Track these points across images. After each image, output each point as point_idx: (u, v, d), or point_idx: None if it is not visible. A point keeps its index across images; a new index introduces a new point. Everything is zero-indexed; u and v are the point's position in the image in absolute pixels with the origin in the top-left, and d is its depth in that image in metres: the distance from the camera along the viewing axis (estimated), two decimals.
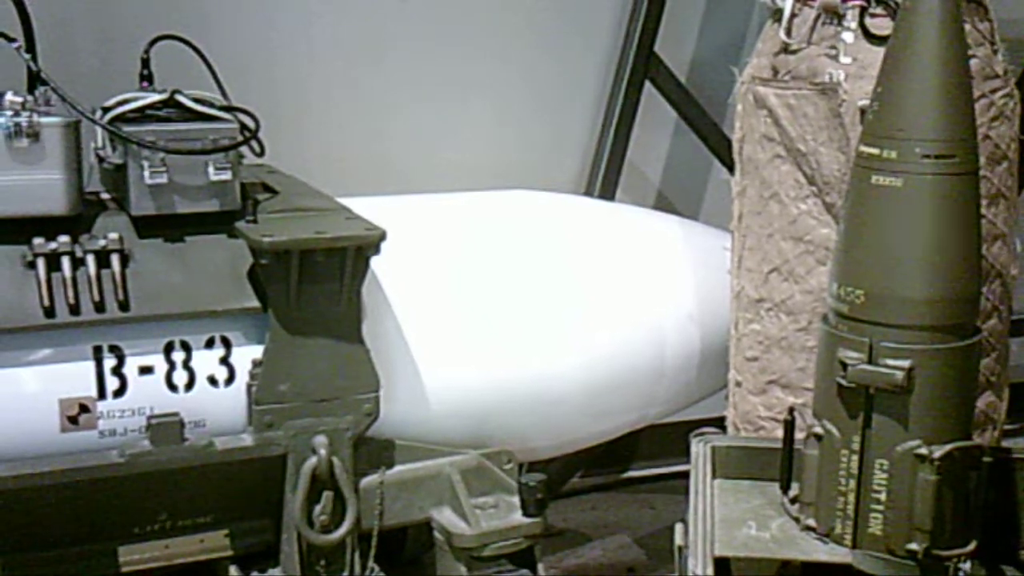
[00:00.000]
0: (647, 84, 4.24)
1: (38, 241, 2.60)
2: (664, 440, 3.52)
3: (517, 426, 3.08)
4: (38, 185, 2.59)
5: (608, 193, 4.25)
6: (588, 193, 4.21)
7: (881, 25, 2.81)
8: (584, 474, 4.00)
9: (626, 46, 4.21)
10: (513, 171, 3.60)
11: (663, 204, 4.35)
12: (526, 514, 2.90)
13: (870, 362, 2.38)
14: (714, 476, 2.72)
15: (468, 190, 3.38)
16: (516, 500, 2.94)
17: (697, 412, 3.43)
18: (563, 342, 3.11)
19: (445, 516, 2.91)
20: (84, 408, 2.61)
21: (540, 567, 2.95)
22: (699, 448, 2.78)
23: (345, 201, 2.95)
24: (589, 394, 3.16)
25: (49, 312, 2.57)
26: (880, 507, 2.43)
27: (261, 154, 2.83)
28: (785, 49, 2.98)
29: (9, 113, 2.56)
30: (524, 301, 3.09)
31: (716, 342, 3.27)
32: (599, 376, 3.16)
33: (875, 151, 2.38)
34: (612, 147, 4.26)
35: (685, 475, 2.92)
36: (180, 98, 2.79)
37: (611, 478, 4.07)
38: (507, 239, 3.19)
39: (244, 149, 2.80)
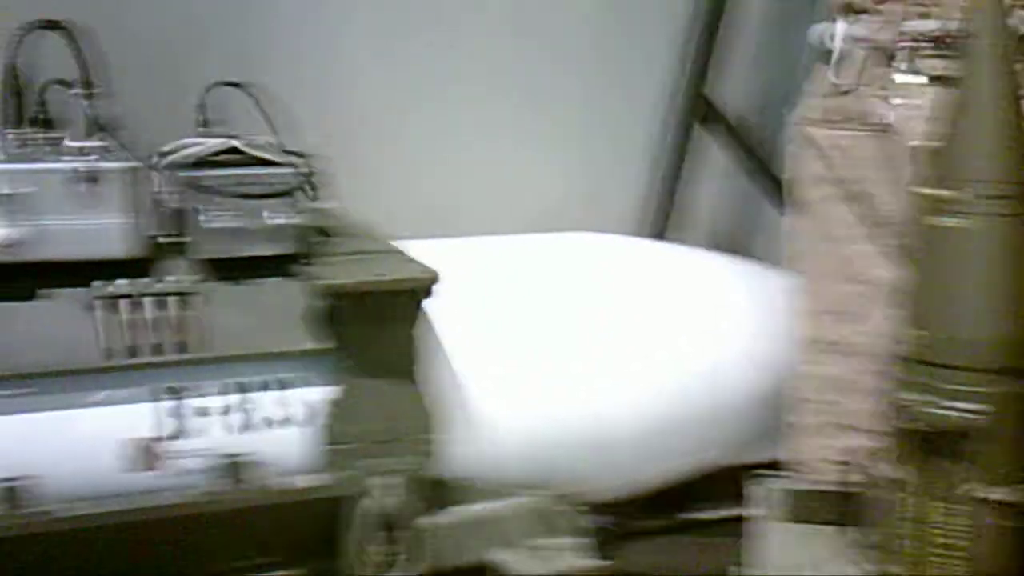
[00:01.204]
0: (697, 125, 4.28)
1: (98, 284, 2.64)
2: (723, 483, 3.49)
3: (576, 468, 3.07)
4: (99, 229, 2.63)
5: (662, 234, 4.27)
6: (642, 234, 4.20)
7: (933, 66, 2.82)
8: (643, 516, 3.97)
9: (676, 89, 4.26)
10: (568, 214, 3.62)
11: (717, 244, 4.30)
12: (587, 556, 2.89)
13: (931, 405, 2.37)
14: (772, 519, 2.70)
15: (523, 232, 3.40)
16: (576, 542, 2.92)
17: (755, 455, 3.40)
18: (621, 384, 3.11)
19: (504, 558, 2.90)
20: (152, 449, 2.64)
21: None
22: (758, 491, 2.77)
23: (402, 244, 2.98)
24: (653, 437, 3.16)
25: (110, 354, 2.61)
26: (939, 550, 2.41)
27: (319, 198, 2.86)
28: (836, 90, 2.99)
29: (71, 158, 2.61)
30: (582, 343, 3.09)
31: (773, 383, 3.26)
32: (663, 419, 3.16)
33: (940, 192, 2.38)
34: (665, 188, 4.29)
35: (744, 518, 2.90)
36: (240, 143, 2.83)
37: (670, 520, 4.03)
38: (563, 281, 3.20)
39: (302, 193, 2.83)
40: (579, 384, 3.06)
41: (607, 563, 2.92)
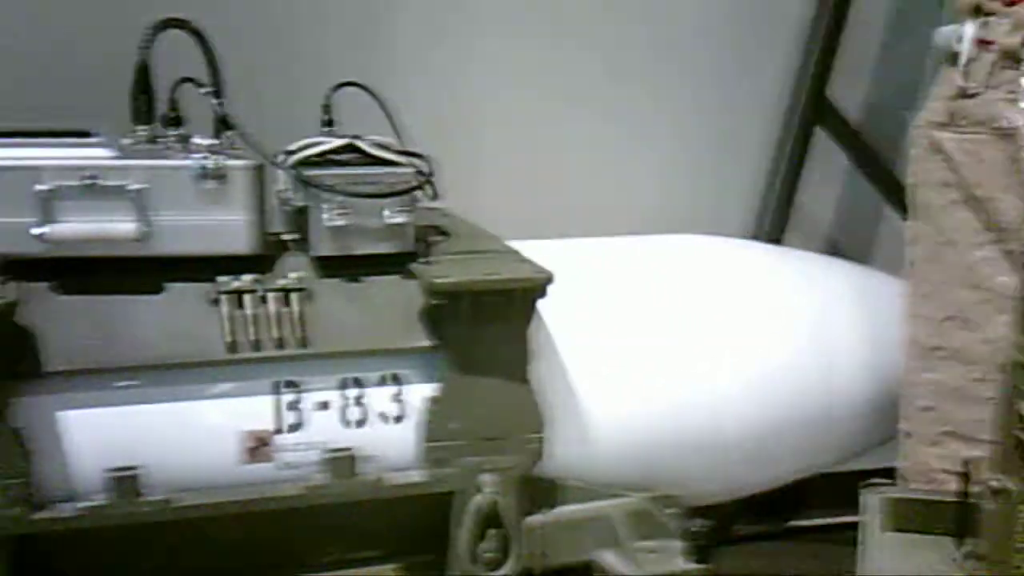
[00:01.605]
0: (818, 127, 4.23)
1: (223, 279, 2.70)
2: (833, 490, 3.45)
3: (682, 471, 3.06)
4: (224, 225, 2.68)
5: (777, 237, 4.21)
6: (756, 237, 4.17)
7: None
8: (749, 521, 3.95)
9: (796, 90, 4.20)
10: (680, 215, 3.59)
11: (833, 249, 4.28)
12: (690, 560, 2.88)
13: None
14: (885, 529, 2.67)
15: (634, 234, 3.39)
16: (680, 545, 2.91)
17: (868, 462, 3.36)
18: (731, 388, 3.09)
19: (608, 559, 2.90)
20: (263, 441, 2.70)
21: None
22: (870, 499, 2.73)
23: (514, 244, 3.00)
24: (757, 440, 3.13)
25: (232, 348, 2.67)
26: None
27: (435, 198, 2.87)
28: (962, 94, 2.93)
29: (198, 156, 2.67)
30: (691, 345, 3.07)
31: (888, 391, 3.20)
32: (769, 423, 3.13)
33: None
34: (781, 191, 4.23)
35: (853, 526, 2.87)
36: (360, 143, 2.88)
37: (776, 526, 4.00)
38: (674, 283, 3.18)
39: (420, 192, 2.85)
40: (686, 387, 3.04)
41: (707, 567, 2.90)
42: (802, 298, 3.29)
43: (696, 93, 4.14)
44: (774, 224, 4.26)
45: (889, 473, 3.16)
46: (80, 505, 2.57)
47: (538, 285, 2.77)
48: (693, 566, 2.88)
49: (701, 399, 3.06)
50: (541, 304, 2.80)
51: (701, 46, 4.13)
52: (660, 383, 3.03)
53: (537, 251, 2.93)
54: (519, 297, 2.76)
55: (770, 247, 3.86)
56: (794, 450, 3.24)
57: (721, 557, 3.27)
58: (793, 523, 4.10)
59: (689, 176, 4.18)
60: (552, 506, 2.91)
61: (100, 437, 2.62)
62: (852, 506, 3.07)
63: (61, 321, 2.61)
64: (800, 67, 4.21)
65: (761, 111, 4.24)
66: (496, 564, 2.81)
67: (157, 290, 2.70)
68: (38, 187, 2.57)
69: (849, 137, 4.25)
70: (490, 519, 2.79)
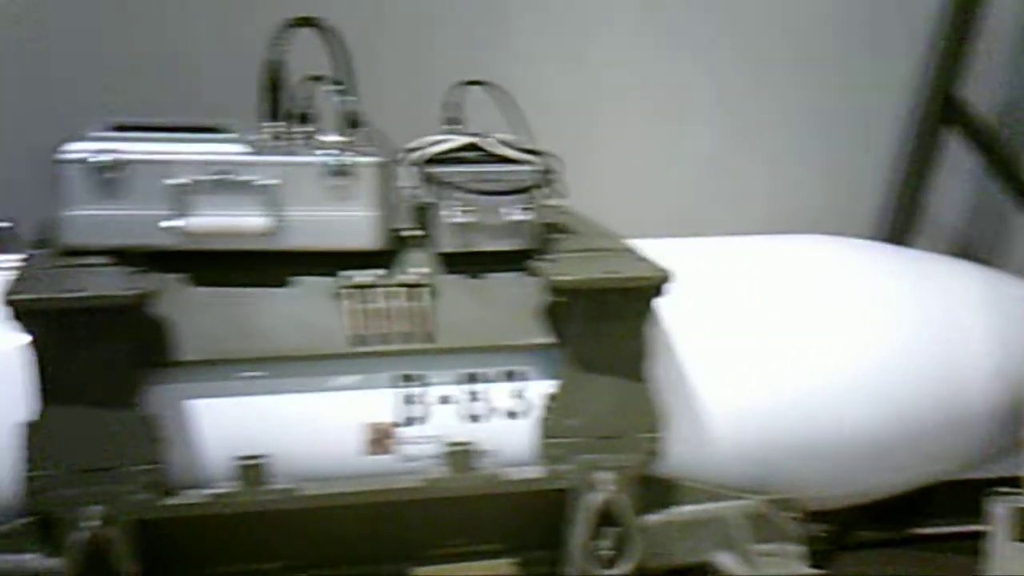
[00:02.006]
0: (946, 127, 4.13)
1: (347, 274, 2.76)
2: (957, 497, 3.38)
3: (802, 474, 3.02)
4: (351, 221, 2.74)
5: (902, 239, 4.15)
6: (882, 238, 4.10)
7: None
8: (869, 527, 3.88)
9: (924, 89, 4.13)
10: (803, 215, 3.55)
11: (961, 251, 4.17)
12: (808, 564, 2.86)
13: None
14: (1011, 539, 2.60)
15: (756, 233, 3.36)
16: (798, 549, 2.89)
17: (994, 470, 3.26)
18: (854, 391, 3.03)
19: (725, 560, 2.89)
20: (385, 434, 2.74)
21: None
22: (997, 508, 2.67)
23: (634, 242, 2.99)
24: (880, 446, 3.07)
25: (355, 341, 2.73)
26: None
27: (559, 196, 2.89)
28: None
29: (326, 153, 2.72)
30: (813, 348, 3.03)
31: (1017, 397, 3.14)
32: (892, 428, 3.07)
33: None
34: (907, 191, 4.17)
35: (976, 536, 2.80)
36: (484, 141, 2.91)
37: (897, 533, 3.92)
38: (796, 283, 3.14)
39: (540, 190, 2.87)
40: (808, 389, 3.00)
41: (825, 573, 2.87)
42: (929, 301, 3.22)
43: (820, 93, 4.11)
44: (900, 225, 4.18)
45: (1016, 482, 3.10)
46: (208, 492, 2.64)
47: (657, 284, 2.77)
48: (811, 571, 2.86)
49: (823, 402, 3.02)
50: (660, 303, 2.80)
51: (825, 46, 4.09)
52: (780, 385, 2.99)
53: (657, 250, 2.93)
54: (638, 295, 2.76)
55: (896, 248, 3.76)
56: (918, 456, 3.18)
57: (839, 563, 3.23)
58: (915, 530, 4.02)
59: (813, 176, 4.16)
60: (668, 506, 2.91)
61: (227, 426, 2.69)
62: (976, 515, 3.02)
63: (192, 312, 2.70)
64: (928, 66, 4.15)
65: (887, 111, 4.19)
66: (611, 562, 2.82)
67: (284, 283, 2.77)
68: (172, 181, 2.65)
69: (979, 137, 4.17)
70: (606, 517, 2.80)
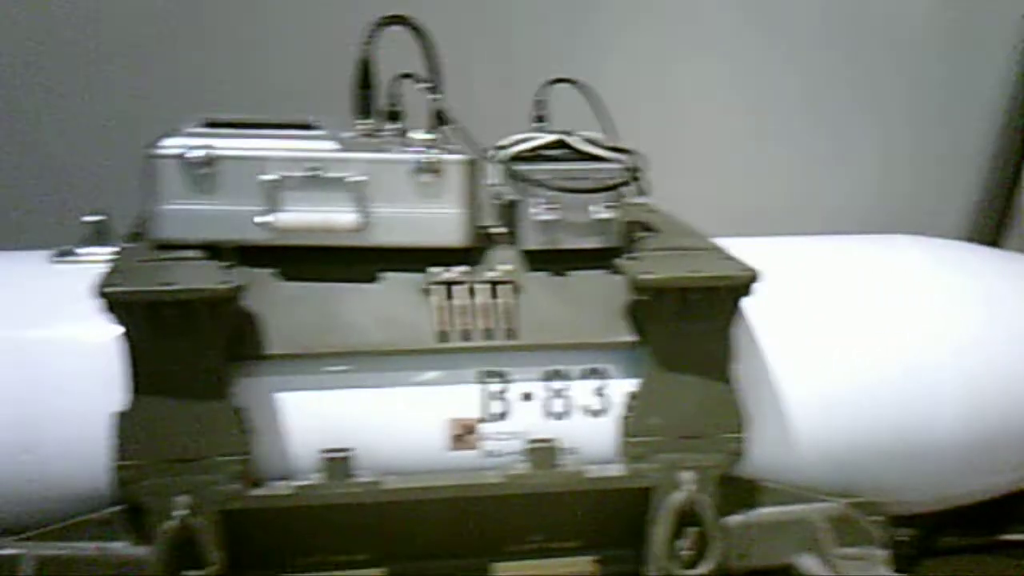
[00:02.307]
0: None
1: (436, 270, 2.77)
2: None
3: (888, 478, 2.99)
4: (439, 218, 2.75)
5: (993, 240, 4.08)
6: (971, 239, 4.05)
7: None
8: (956, 532, 3.82)
9: (1018, 86, 4.06)
10: (892, 215, 3.52)
11: None
12: (892, 569, 2.83)
13: None
14: None
15: (844, 233, 3.34)
16: (882, 554, 2.85)
17: None
18: (944, 394, 2.98)
19: (807, 563, 2.86)
20: (469, 429, 2.76)
21: None
22: None
23: (720, 241, 2.97)
24: (970, 450, 3.02)
25: (441, 337, 2.74)
26: None
27: (644, 193, 2.88)
28: None
29: (416, 150, 2.74)
30: (901, 349, 2.98)
31: None
32: (983, 432, 3.02)
33: None
34: (999, 192, 4.09)
35: None
36: (571, 139, 2.92)
37: (985, 539, 3.86)
38: (885, 284, 3.09)
39: (628, 188, 2.86)
40: (897, 392, 2.95)
41: None
42: (1018, 303, 3.15)
43: (909, 93, 4.05)
44: (991, 226, 4.11)
45: None
46: (295, 484, 2.68)
47: (744, 283, 2.74)
48: (892, 575, 2.84)
49: (912, 404, 2.97)
50: (746, 302, 2.77)
51: (915, 46, 4.03)
52: (868, 386, 2.95)
53: (744, 249, 2.90)
54: (724, 295, 2.73)
55: (988, 249, 3.72)
56: (1011, 461, 3.13)
57: (925, 568, 3.18)
58: (1004, 537, 3.95)
59: (902, 176, 4.10)
60: (751, 507, 2.89)
61: (313, 419, 2.72)
62: None
63: (280, 306, 2.73)
64: (1022, 64, 4.07)
65: (979, 110, 4.12)
66: (693, 562, 2.80)
67: (372, 279, 2.79)
68: (264, 177, 2.68)
69: None
70: (688, 517, 2.79)
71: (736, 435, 2.80)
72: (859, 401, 2.95)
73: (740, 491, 2.87)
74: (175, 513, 2.59)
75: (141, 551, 2.63)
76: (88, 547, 2.65)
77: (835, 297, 3.05)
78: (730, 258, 2.85)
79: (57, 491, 2.66)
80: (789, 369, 2.92)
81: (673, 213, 3.20)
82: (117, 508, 2.65)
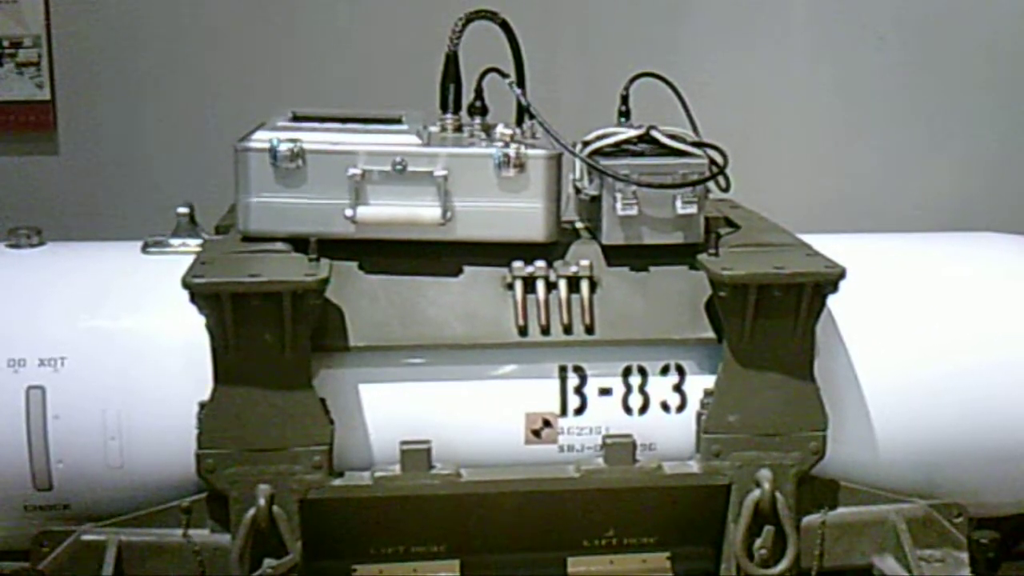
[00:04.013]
0: None
1: (517, 264, 2.77)
2: None
3: (970, 480, 2.94)
4: (521, 213, 2.75)
5: None
6: None
7: None
8: None
9: None
10: (978, 213, 3.47)
11: None
12: (974, 572, 2.79)
13: None
14: None
15: (930, 231, 3.31)
16: (964, 556, 2.82)
17: None
18: None
19: (887, 564, 2.83)
20: (547, 423, 2.76)
21: None
22: None
23: (805, 238, 2.94)
24: None
25: (523, 331, 2.74)
26: None
27: (727, 189, 2.86)
28: None
29: (500, 144, 2.73)
30: (986, 348, 2.94)
31: None
32: None
33: None
34: None
35: None
36: (655, 133, 2.88)
37: None
38: (972, 283, 3.06)
39: (710, 184, 2.84)
40: (982, 393, 2.91)
41: None
42: None
43: (1003, 89, 3.99)
44: None
45: None
46: (375, 475, 2.70)
47: (829, 280, 2.70)
48: None
49: (997, 405, 2.92)
50: (831, 300, 2.74)
51: (1004, 40, 3.95)
52: (953, 387, 2.91)
53: (829, 245, 2.86)
54: (808, 291, 2.69)
55: None
56: None
57: (1005, 572, 3.13)
58: None
59: (989, 174, 4.04)
60: (831, 507, 2.86)
61: (394, 411, 2.74)
62: None
63: (362, 300, 2.74)
64: None
65: None
66: (769, 562, 2.78)
67: (455, 273, 2.80)
68: (352, 171, 2.70)
69: None
70: (766, 515, 2.76)
71: (817, 434, 2.77)
72: (943, 400, 2.90)
73: (819, 490, 2.84)
74: (255, 502, 2.62)
75: (222, 539, 2.67)
76: (171, 534, 2.69)
77: (920, 294, 3.01)
78: (815, 254, 2.82)
79: (142, 478, 2.71)
80: (872, 367, 2.88)
81: (756, 209, 3.18)
82: (200, 496, 2.69)
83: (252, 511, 2.61)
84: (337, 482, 2.68)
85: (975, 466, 2.94)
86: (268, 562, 2.64)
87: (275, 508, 2.63)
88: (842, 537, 2.85)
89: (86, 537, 2.68)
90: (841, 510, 2.86)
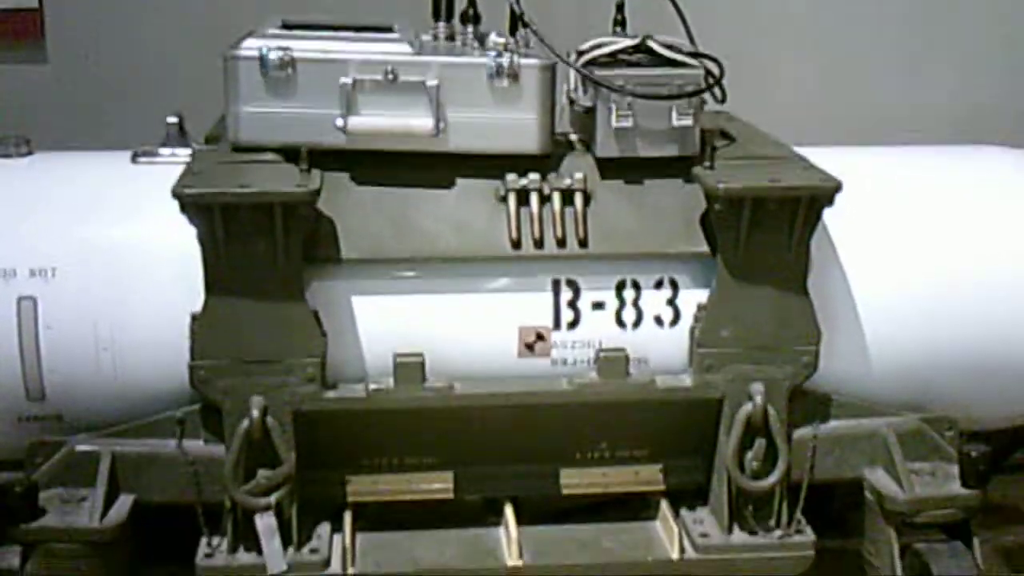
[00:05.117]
0: None
1: (511, 177, 2.74)
2: None
3: (963, 393, 2.95)
4: (515, 124, 2.71)
5: None
6: None
7: None
8: None
9: None
10: (976, 126, 3.43)
11: None
12: (964, 485, 2.79)
13: None
14: None
15: (928, 144, 3.26)
16: (954, 469, 2.82)
17: None
18: (1022, 309, 2.92)
19: (878, 477, 2.84)
20: (540, 337, 2.75)
21: (975, 541, 2.85)
22: None
23: (801, 151, 2.91)
24: None
25: (516, 244, 2.72)
26: None
27: (723, 101, 2.81)
28: None
29: (493, 54, 2.69)
30: (982, 264, 2.92)
31: None
32: None
33: None
34: None
35: None
36: (651, 44, 2.83)
37: None
38: (968, 197, 3.03)
39: (706, 95, 2.79)
40: (976, 307, 2.90)
41: (979, 493, 2.80)
42: None
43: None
44: None
45: None
46: (369, 387, 2.70)
47: (824, 193, 2.68)
48: (967, 491, 2.79)
49: (990, 320, 2.92)
50: (826, 213, 2.72)
51: None
52: (946, 302, 2.90)
53: (825, 158, 2.84)
54: (803, 205, 2.68)
55: None
56: None
57: (997, 485, 3.15)
58: None
59: (988, 86, 4.00)
60: (823, 420, 2.87)
61: (387, 324, 2.73)
62: None
63: (355, 211, 2.73)
64: None
65: None
66: (762, 474, 2.79)
67: (447, 185, 2.78)
68: (343, 80, 2.66)
69: None
70: (758, 429, 2.77)
71: (810, 348, 2.77)
72: (936, 315, 2.90)
73: (811, 404, 2.85)
74: (248, 414, 2.62)
75: (216, 450, 2.68)
76: (164, 445, 2.70)
77: (916, 208, 2.99)
78: (811, 168, 2.80)
79: (134, 389, 2.71)
80: (866, 281, 2.87)
81: (752, 122, 3.14)
82: (193, 407, 2.70)
83: (246, 422, 2.62)
84: (330, 394, 2.69)
85: (967, 380, 2.95)
86: (262, 473, 2.66)
87: (269, 419, 2.63)
88: (833, 450, 2.87)
89: (80, 448, 2.70)
90: (833, 424, 2.87)
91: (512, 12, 2.83)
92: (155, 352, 2.69)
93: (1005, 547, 3.51)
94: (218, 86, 2.70)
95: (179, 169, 2.69)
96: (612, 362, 2.75)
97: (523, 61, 2.70)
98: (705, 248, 2.77)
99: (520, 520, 2.83)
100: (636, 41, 2.85)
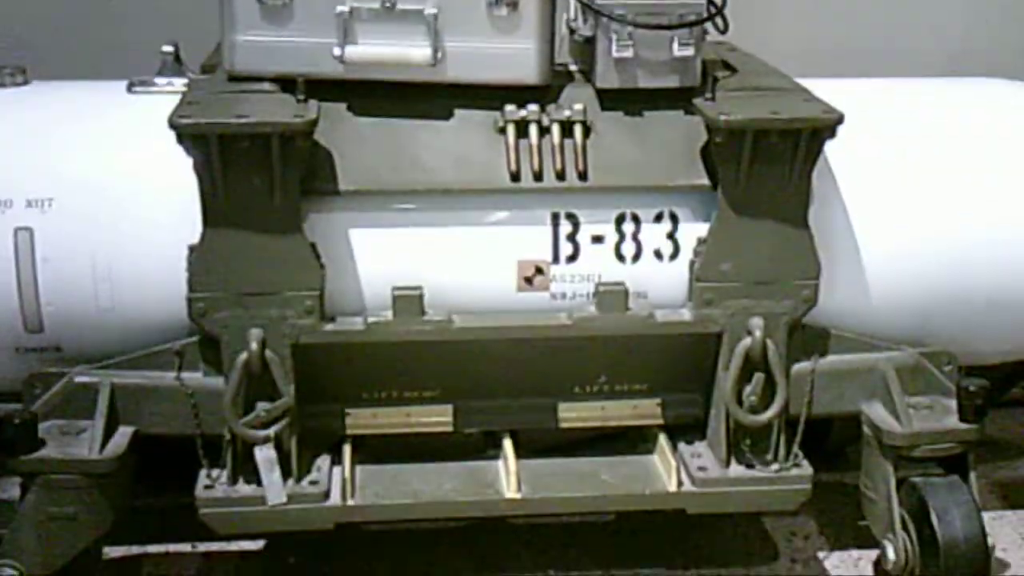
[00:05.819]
0: None
1: (509, 108, 2.72)
2: None
3: (962, 328, 2.95)
4: (513, 53, 2.68)
5: None
6: None
7: None
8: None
9: None
10: (982, 59, 3.39)
11: None
12: (962, 419, 2.78)
13: None
14: None
15: (931, 76, 3.23)
16: (952, 404, 2.82)
17: None
18: (1018, 244, 2.91)
19: (876, 411, 2.84)
20: (539, 270, 2.74)
21: (971, 475, 2.85)
22: None
23: (804, 82, 2.88)
24: None
25: (515, 177, 2.70)
26: None
27: (724, 31, 2.78)
28: None
29: None
30: (983, 198, 2.90)
31: None
32: None
33: None
34: None
35: None
36: None
37: None
38: (970, 130, 3.00)
39: (707, 25, 2.76)
40: (976, 242, 2.89)
41: (976, 427, 2.80)
42: None
43: None
44: None
45: None
46: (368, 320, 2.69)
47: (827, 126, 2.66)
48: (964, 425, 2.79)
49: (990, 255, 2.91)
50: (828, 146, 2.70)
51: None
52: (946, 235, 2.89)
53: (828, 90, 2.80)
54: (805, 137, 2.65)
55: None
56: None
57: (995, 419, 3.16)
58: None
59: (994, 17, 3.94)
60: (822, 354, 2.86)
61: (385, 256, 2.72)
62: None
63: (352, 143, 2.70)
64: None
65: None
66: (760, 408, 2.79)
67: (446, 116, 2.75)
68: (340, 8, 2.62)
69: None
70: (757, 363, 2.77)
71: (809, 282, 2.76)
72: (936, 248, 2.89)
73: (810, 338, 2.84)
74: (247, 346, 2.62)
75: (215, 382, 2.68)
76: (163, 377, 2.70)
77: (918, 140, 2.96)
78: (813, 99, 2.76)
79: (133, 321, 2.71)
80: (867, 215, 2.86)
81: (754, 52, 3.10)
82: (192, 340, 2.70)
83: (244, 355, 2.62)
84: (329, 327, 2.68)
85: (966, 314, 2.95)
86: (261, 406, 2.66)
87: (267, 352, 2.63)
88: (831, 384, 2.86)
89: (79, 379, 2.70)
90: (831, 358, 2.87)
91: None
92: (153, 284, 2.68)
93: (1002, 481, 3.53)
94: (214, 14, 2.66)
95: (175, 99, 2.67)
96: (611, 296, 2.74)
97: None
98: (705, 181, 2.75)
99: (519, 453, 2.84)
100: None
